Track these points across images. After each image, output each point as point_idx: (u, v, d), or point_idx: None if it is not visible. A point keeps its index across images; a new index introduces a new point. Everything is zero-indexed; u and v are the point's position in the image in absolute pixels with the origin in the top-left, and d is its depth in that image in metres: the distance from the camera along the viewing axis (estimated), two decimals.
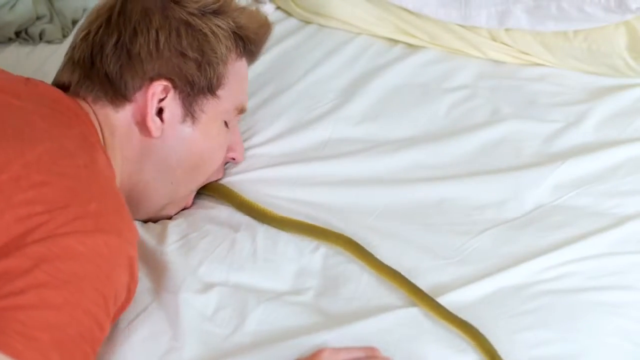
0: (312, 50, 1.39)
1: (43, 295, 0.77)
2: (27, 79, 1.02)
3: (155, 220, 1.09)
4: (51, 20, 1.47)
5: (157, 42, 1.00)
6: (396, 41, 1.41)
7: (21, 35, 1.45)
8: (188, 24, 1.02)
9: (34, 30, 1.44)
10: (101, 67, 1.01)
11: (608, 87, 1.28)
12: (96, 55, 1.01)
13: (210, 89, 1.04)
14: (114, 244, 0.83)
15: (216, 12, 1.05)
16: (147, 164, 1.03)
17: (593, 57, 1.30)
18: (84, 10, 1.50)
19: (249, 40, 1.09)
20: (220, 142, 1.08)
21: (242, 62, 1.10)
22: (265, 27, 1.13)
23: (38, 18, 1.46)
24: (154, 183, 1.05)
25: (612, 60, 1.29)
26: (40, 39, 1.45)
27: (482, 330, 0.91)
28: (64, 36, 1.45)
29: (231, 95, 1.07)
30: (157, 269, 0.98)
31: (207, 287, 0.96)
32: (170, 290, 0.95)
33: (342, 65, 1.36)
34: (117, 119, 1.01)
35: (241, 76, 1.10)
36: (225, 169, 1.15)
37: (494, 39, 1.36)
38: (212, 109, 1.05)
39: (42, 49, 1.43)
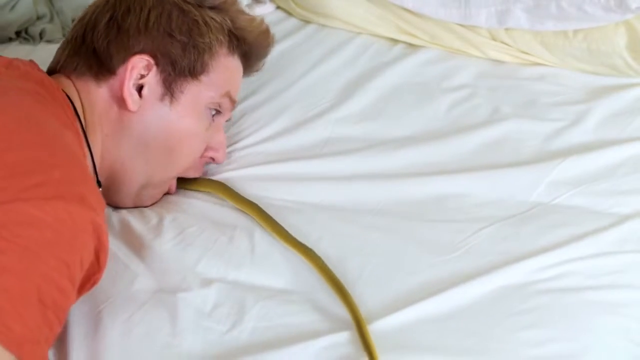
0: (312, 49, 1.40)
1: (2, 261, 0.75)
2: (11, 61, 1.02)
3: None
4: (51, 20, 1.47)
5: (147, 20, 1.03)
6: (396, 41, 1.41)
7: (22, 34, 1.46)
8: (181, 10, 1.05)
9: (35, 29, 1.45)
10: (91, 43, 1.03)
11: (608, 87, 1.29)
12: (88, 32, 1.04)
13: (192, 72, 1.05)
14: (75, 211, 0.81)
15: (214, 8, 1.07)
16: (124, 139, 1.04)
17: (593, 56, 1.30)
18: None
19: (244, 41, 1.10)
20: (197, 129, 1.08)
21: (234, 59, 1.11)
22: (264, 34, 1.14)
23: (38, 18, 1.47)
24: (130, 162, 1.05)
25: (611, 60, 1.29)
26: (41, 38, 1.46)
27: (482, 329, 0.91)
28: (64, 36, 1.45)
29: (214, 84, 1.07)
30: (155, 265, 0.98)
31: (206, 283, 0.95)
32: (169, 286, 0.95)
33: (343, 65, 1.36)
34: (98, 94, 1.03)
35: (231, 71, 1.10)
36: (219, 166, 1.15)
37: (494, 39, 1.36)
38: (192, 92, 1.05)
39: (43, 49, 1.43)
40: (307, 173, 1.13)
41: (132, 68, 1.02)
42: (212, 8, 1.07)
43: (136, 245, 1.01)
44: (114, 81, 1.03)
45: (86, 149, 0.99)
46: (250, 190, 1.10)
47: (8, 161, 0.80)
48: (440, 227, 1.04)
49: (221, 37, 1.07)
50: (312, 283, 0.97)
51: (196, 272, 0.97)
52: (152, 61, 1.03)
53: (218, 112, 1.10)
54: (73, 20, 1.47)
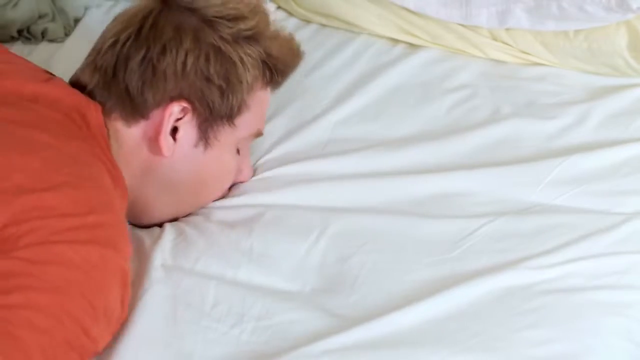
0: (313, 49, 1.39)
1: (30, 297, 0.76)
2: (50, 78, 1.01)
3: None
4: (53, 19, 1.47)
5: (184, 63, 0.98)
6: (397, 41, 1.41)
7: (23, 33, 1.46)
8: (218, 50, 1.00)
9: (36, 28, 1.45)
10: (123, 81, 0.99)
11: (608, 87, 1.29)
12: (120, 66, 0.99)
13: (229, 117, 1.02)
14: (108, 257, 0.82)
15: (249, 39, 1.03)
16: (152, 181, 1.02)
17: (593, 56, 1.30)
18: (86, 8, 1.51)
19: (277, 71, 1.07)
20: (229, 169, 1.07)
21: (266, 91, 1.08)
22: (296, 58, 1.11)
23: (40, 17, 1.46)
24: (156, 201, 1.04)
25: (612, 60, 1.29)
26: (43, 37, 1.45)
27: (484, 328, 0.91)
28: (66, 35, 1.45)
29: (248, 124, 1.06)
30: (155, 265, 0.97)
31: (205, 283, 0.96)
32: (168, 286, 0.95)
33: (343, 65, 1.36)
34: (127, 133, 1.00)
35: (262, 105, 1.08)
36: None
37: (494, 39, 1.36)
38: (226, 137, 1.03)
39: (44, 48, 1.43)
40: (308, 173, 1.13)
41: (170, 115, 0.99)
42: (246, 39, 1.02)
43: (137, 245, 1.01)
44: (146, 124, 1.00)
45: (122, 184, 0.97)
46: (250, 191, 1.10)
47: (45, 202, 0.81)
48: (440, 226, 1.04)
49: (257, 73, 1.04)
50: (312, 281, 0.98)
51: (195, 271, 0.97)
52: (188, 107, 0.99)
53: None
54: (75, 21, 1.48)
